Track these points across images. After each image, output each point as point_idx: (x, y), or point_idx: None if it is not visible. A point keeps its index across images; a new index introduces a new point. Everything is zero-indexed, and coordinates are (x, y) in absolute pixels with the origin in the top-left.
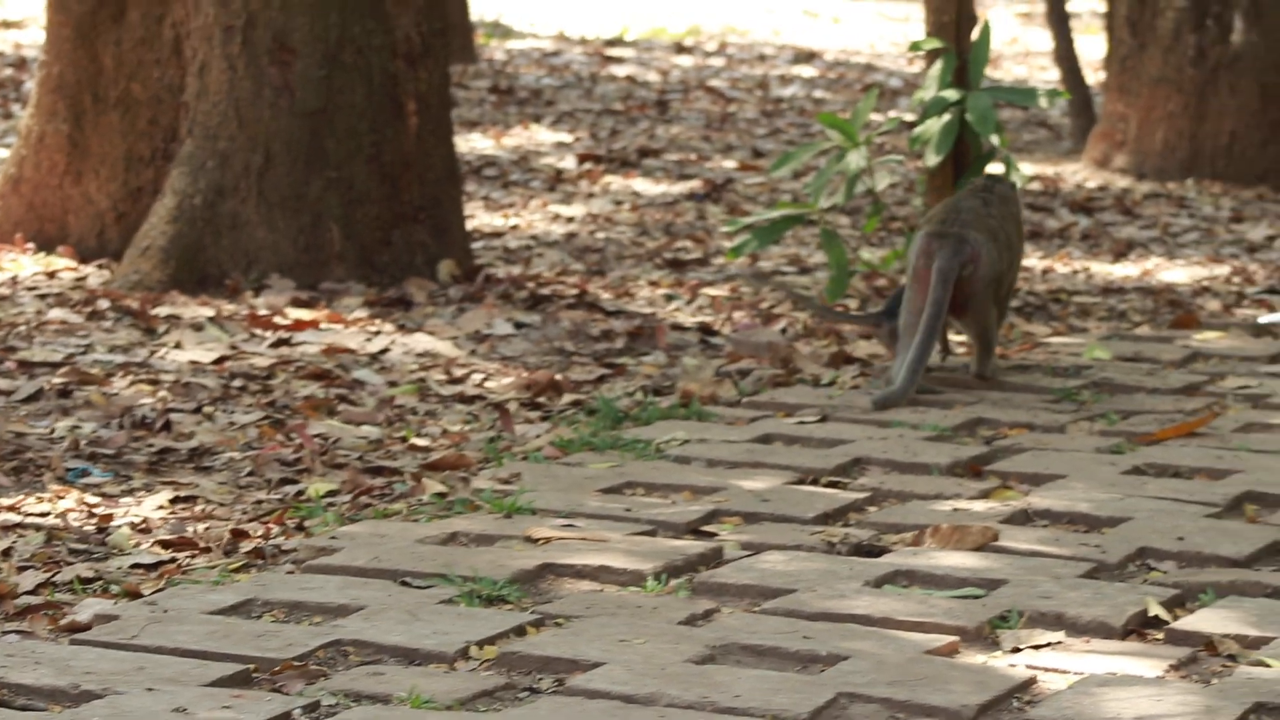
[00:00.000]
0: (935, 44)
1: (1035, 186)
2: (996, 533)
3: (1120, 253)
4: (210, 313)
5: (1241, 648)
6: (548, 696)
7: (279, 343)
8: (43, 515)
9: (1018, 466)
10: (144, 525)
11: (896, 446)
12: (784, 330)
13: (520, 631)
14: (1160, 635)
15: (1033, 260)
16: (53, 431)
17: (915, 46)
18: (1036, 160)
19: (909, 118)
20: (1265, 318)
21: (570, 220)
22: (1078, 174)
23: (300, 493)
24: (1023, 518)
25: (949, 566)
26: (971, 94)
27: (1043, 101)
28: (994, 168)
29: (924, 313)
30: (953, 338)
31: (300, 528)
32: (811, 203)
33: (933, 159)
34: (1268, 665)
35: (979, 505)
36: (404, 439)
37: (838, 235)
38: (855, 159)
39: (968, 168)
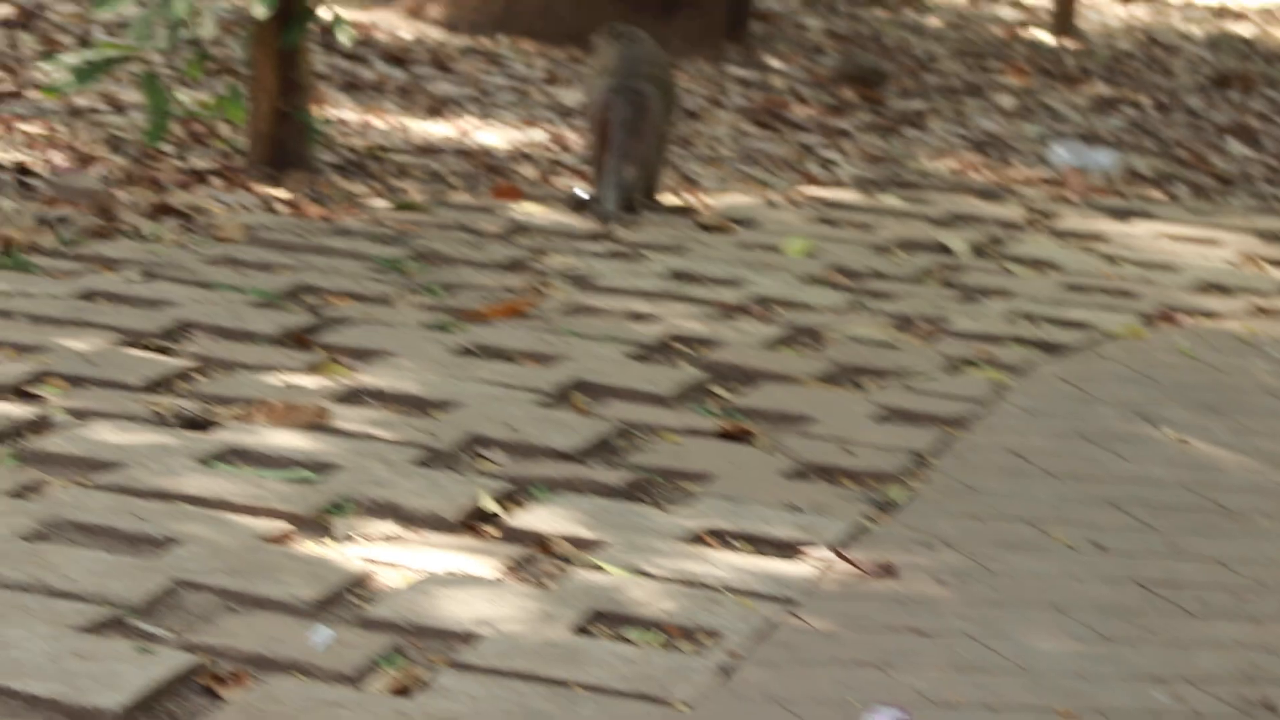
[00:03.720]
0: None
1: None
2: (327, 411)
3: (436, 110)
4: None
5: (576, 549)
6: None
7: None
8: None
9: (346, 340)
10: None
11: (223, 311)
12: (104, 176)
13: None
14: (495, 532)
15: (349, 114)
16: None
17: None
18: (349, 6)
19: None
20: (579, 190)
21: None
22: (391, 23)
23: None
24: (353, 396)
25: (281, 446)
26: None
27: None
28: (324, 15)
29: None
30: None
31: None
32: (134, 44)
33: (260, 10)
34: (603, 570)
35: (309, 380)
36: None
37: (158, 79)
38: (181, 4)
39: (292, 19)
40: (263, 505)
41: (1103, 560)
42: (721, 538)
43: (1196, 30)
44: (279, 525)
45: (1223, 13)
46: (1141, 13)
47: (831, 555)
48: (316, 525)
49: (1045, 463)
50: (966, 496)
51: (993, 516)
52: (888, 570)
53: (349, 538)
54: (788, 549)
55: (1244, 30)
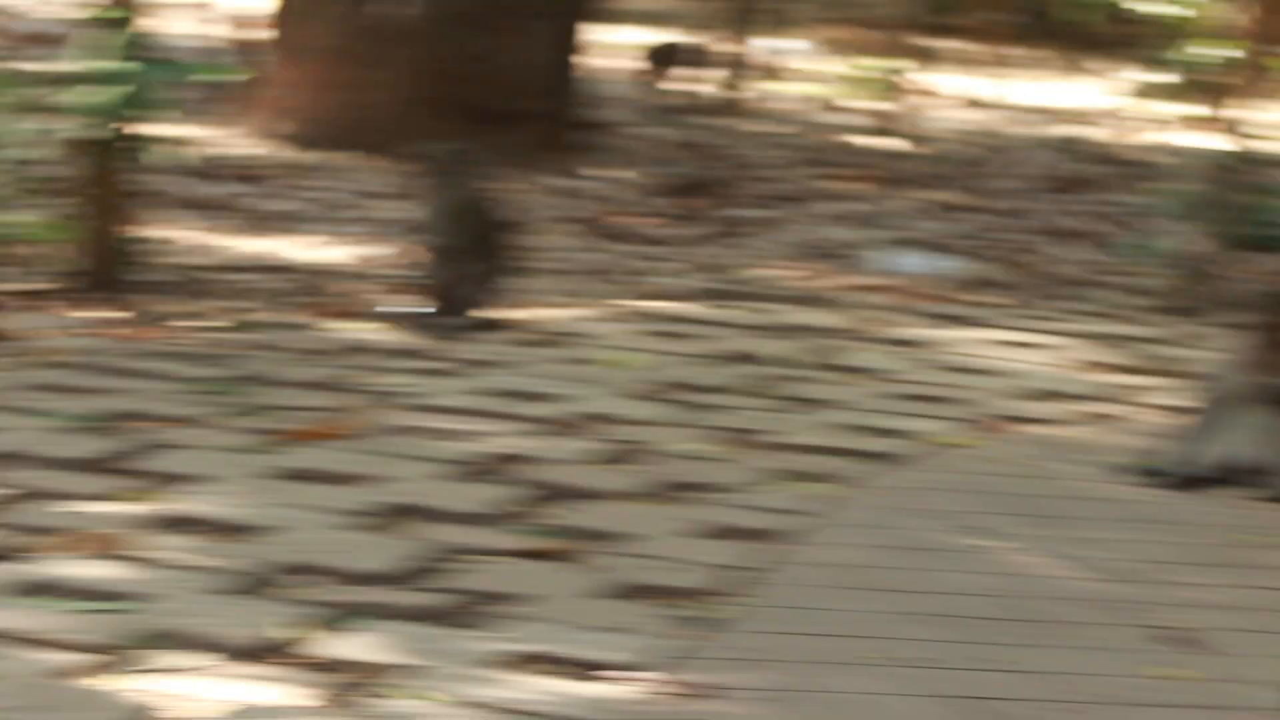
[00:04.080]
0: (119, 14)
1: (190, 151)
2: (134, 539)
3: (265, 227)
4: None
5: (388, 677)
6: None
7: None
8: None
9: (161, 464)
10: None
11: (35, 436)
12: None
13: None
14: (305, 660)
15: (179, 232)
16: None
17: (98, 19)
18: (199, 121)
19: (61, 67)
20: (385, 308)
21: None
22: (229, 141)
23: None
24: (165, 523)
25: (85, 575)
26: (143, 68)
27: (218, 77)
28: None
29: None
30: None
31: None
32: None
33: (90, 130)
34: (411, 697)
35: (118, 507)
36: None
37: None
38: (7, 124)
39: (123, 140)
40: (62, 637)
41: (931, 676)
42: (538, 661)
43: (1036, 133)
44: (78, 657)
45: (1062, 115)
46: (983, 116)
47: (652, 677)
48: (117, 657)
49: (871, 577)
50: (791, 613)
51: (818, 633)
52: (710, 691)
53: (149, 670)
54: (607, 671)
55: (1083, 133)
